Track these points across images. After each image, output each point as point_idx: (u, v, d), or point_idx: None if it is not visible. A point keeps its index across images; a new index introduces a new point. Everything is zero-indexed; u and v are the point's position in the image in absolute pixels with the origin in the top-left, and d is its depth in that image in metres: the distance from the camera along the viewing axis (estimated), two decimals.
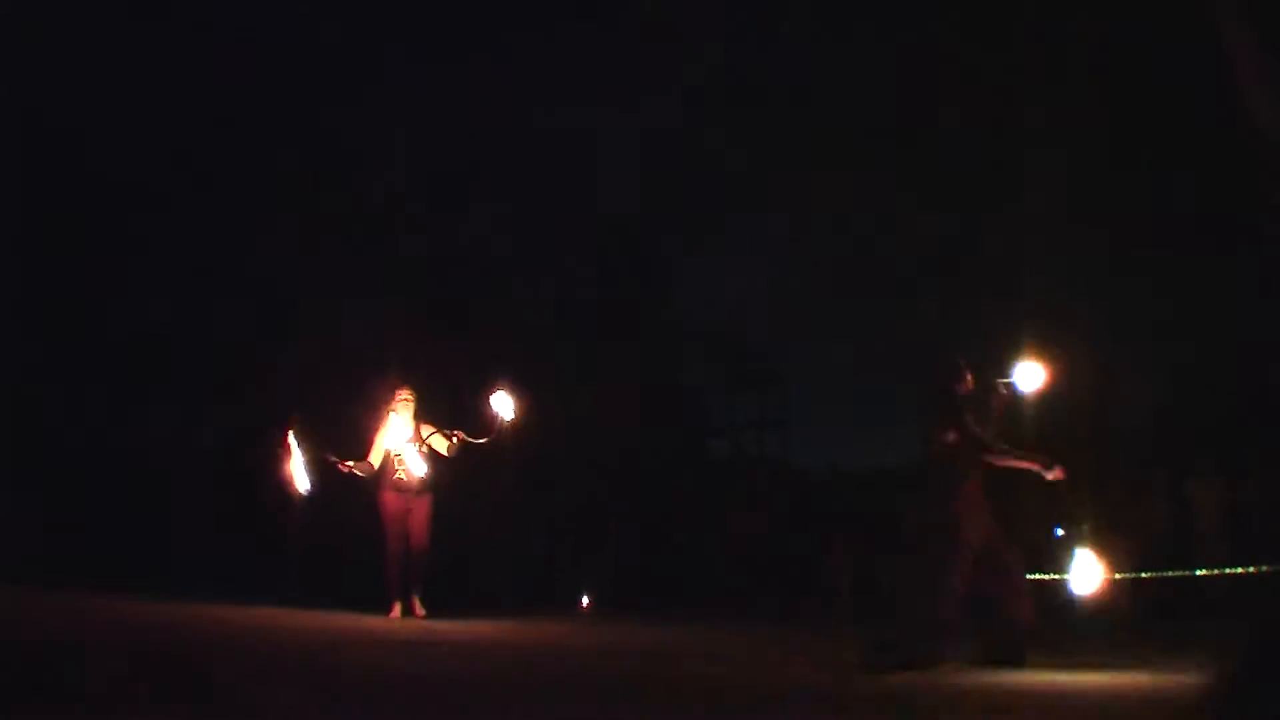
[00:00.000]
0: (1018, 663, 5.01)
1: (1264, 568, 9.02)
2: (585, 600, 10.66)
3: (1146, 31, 11.01)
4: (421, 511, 7.29)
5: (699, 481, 13.04)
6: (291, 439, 6.81)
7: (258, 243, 11.88)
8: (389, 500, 7.24)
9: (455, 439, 7.21)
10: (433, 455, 7.32)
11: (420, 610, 7.22)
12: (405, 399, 7.36)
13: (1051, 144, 12.40)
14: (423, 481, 7.25)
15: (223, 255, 11.76)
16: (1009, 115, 12.75)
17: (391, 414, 7.30)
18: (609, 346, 12.84)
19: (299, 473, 6.78)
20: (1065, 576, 5.41)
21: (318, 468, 6.90)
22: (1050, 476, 5.22)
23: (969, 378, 5.40)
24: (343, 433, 7.44)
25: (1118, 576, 5.49)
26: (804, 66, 14.31)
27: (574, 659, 5.31)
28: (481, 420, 7.18)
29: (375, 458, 7.21)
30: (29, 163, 10.75)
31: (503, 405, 7.05)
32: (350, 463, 7.04)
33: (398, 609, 7.14)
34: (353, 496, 7.53)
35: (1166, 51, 10.58)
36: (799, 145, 14.64)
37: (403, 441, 7.26)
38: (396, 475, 7.21)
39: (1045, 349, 5.60)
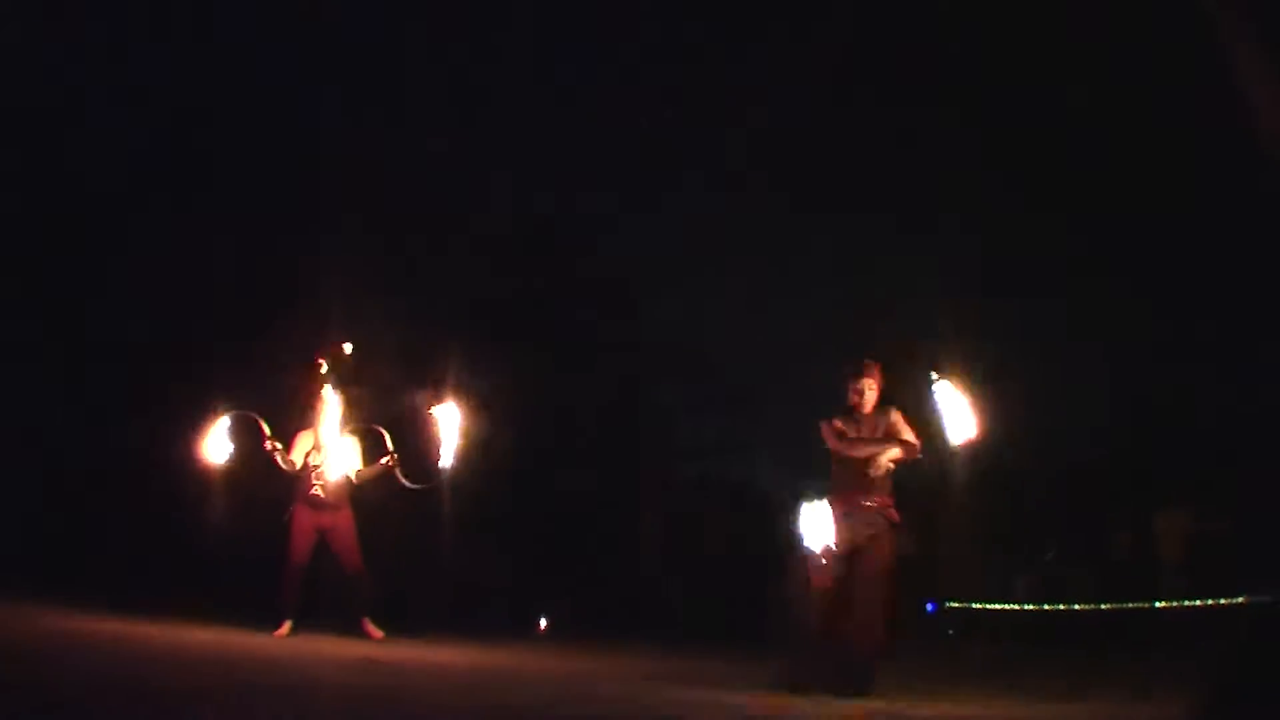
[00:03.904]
0: (862, 692, 4.67)
1: (1222, 600, 9.00)
2: (542, 624, 10.48)
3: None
4: (344, 531, 6.83)
5: (662, 506, 12.85)
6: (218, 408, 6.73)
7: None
8: (301, 515, 6.78)
9: (386, 464, 6.78)
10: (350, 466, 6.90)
11: (376, 632, 6.75)
12: (335, 401, 6.93)
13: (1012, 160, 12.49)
14: (339, 494, 6.80)
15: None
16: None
17: (319, 415, 6.89)
18: (572, 361, 12.63)
19: (217, 441, 6.70)
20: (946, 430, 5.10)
21: (243, 435, 6.72)
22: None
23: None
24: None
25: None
26: None
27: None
28: (424, 441, 6.76)
29: (297, 456, 6.84)
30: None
31: (449, 424, 6.60)
32: (278, 446, 6.72)
33: (287, 627, 6.58)
34: (269, 501, 7.19)
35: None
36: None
37: (326, 444, 6.84)
38: (312, 490, 6.76)
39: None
